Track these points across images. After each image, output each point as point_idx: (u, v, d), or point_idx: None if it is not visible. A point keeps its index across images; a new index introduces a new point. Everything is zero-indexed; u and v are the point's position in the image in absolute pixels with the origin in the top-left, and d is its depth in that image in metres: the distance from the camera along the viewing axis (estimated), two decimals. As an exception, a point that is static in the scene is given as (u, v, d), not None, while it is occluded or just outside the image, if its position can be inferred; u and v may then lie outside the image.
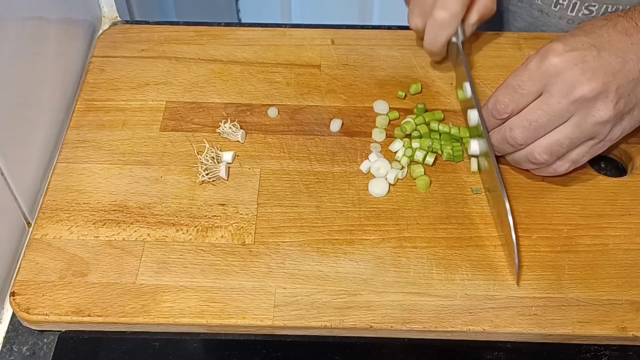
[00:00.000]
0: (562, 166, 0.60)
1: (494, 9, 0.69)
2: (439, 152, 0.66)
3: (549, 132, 0.58)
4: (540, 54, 0.57)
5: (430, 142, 0.66)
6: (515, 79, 0.58)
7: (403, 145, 0.66)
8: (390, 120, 0.69)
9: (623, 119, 0.58)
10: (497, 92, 0.60)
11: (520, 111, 0.59)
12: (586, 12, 0.79)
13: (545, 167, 0.61)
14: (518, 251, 0.57)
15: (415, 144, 0.66)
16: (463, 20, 0.68)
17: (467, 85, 0.66)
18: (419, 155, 0.65)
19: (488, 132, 0.62)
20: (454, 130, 0.67)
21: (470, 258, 0.59)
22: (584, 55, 0.56)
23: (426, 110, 0.70)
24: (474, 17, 0.68)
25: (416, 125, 0.68)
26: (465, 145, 0.66)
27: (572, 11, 0.79)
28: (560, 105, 0.56)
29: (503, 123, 0.60)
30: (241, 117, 0.70)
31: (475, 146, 0.64)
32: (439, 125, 0.68)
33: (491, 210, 0.62)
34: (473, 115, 0.64)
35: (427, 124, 0.68)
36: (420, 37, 0.69)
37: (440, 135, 0.67)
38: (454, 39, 0.68)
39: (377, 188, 0.64)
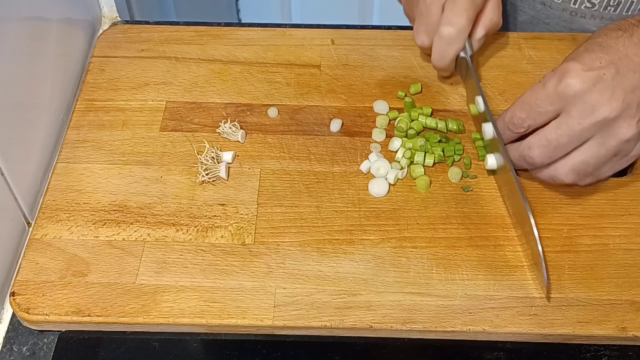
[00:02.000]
0: (584, 181, 0.59)
1: (500, 23, 0.68)
2: (429, 152, 0.66)
3: (569, 153, 0.57)
4: (558, 74, 0.56)
5: (423, 141, 0.66)
6: (532, 97, 0.57)
7: (401, 145, 0.66)
8: (390, 120, 0.69)
9: None
10: (514, 107, 0.59)
11: (537, 127, 0.58)
12: (588, 4, 0.78)
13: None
14: (546, 267, 0.56)
15: (409, 144, 0.66)
16: (470, 35, 0.67)
17: (479, 99, 0.65)
18: (418, 158, 0.65)
19: (505, 145, 0.61)
20: (440, 125, 0.67)
21: (470, 258, 0.59)
22: (603, 74, 0.55)
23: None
24: (480, 32, 0.67)
25: (410, 122, 0.68)
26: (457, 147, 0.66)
27: (574, 3, 0.79)
28: (581, 126, 0.55)
29: (519, 136, 0.60)
30: (241, 117, 0.70)
31: (492, 161, 0.63)
32: (426, 119, 0.68)
33: (512, 219, 0.62)
34: (488, 129, 0.63)
35: (413, 120, 0.68)
36: (426, 53, 0.68)
37: (429, 137, 0.67)
38: (462, 54, 0.67)
39: (377, 188, 0.64)
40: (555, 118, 0.57)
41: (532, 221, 0.56)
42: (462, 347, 0.56)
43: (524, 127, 0.58)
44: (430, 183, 0.64)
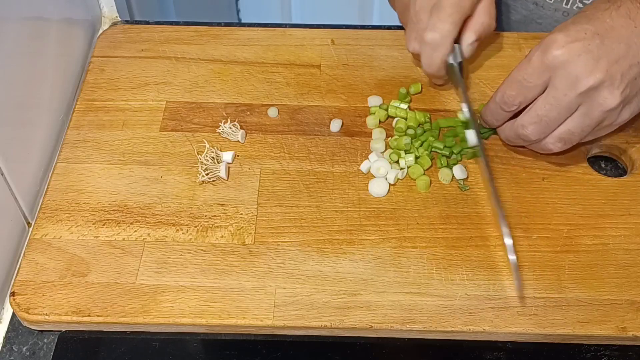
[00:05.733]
0: (570, 145, 0.61)
1: (493, 26, 0.67)
2: (416, 153, 0.66)
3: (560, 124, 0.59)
4: (542, 46, 0.57)
5: (409, 140, 0.66)
6: (519, 73, 0.58)
7: (388, 146, 0.67)
8: (388, 116, 0.69)
9: (631, 102, 0.58)
10: (504, 86, 0.60)
11: (528, 103, 0.59)
12: (581, 5, 0.79)
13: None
14: (518, 273, 0.57)
15: (394, 143, 0.66)
16: (460, 41, 0.66)
17: (464, 107, 0.66)
18: (410, 158, 0.65)
19: (486, 156, 0.63)
20: (418, 116, 0.68)
21: (470, 258, 0.59)
22: (587, 45, 0.56)
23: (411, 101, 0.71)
24: (470, 37, 0.66)
25: (392, 110, 0.68)
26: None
27: (566, 4, 0.80)
28: (567, 97, 0.56)
29: (512, 115, 0.61)
30: (241, 117, 0.70)
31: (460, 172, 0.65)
32: (400, 105, 0.69)
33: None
34: (470, 136, 0.64)
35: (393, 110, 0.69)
36: (419, 60, 0.68)
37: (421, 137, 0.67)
38: (450, 60, 0.66)
39: (377, 188, 0.64)
40: (544, 91, 0.58)
41: (506, 229, 0.57)
42: (462, 347, 0.56)
43: (516, 105, 0.60)
44: (430, 183, 0.64)
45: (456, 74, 0.67)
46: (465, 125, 0.66)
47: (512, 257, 0.56)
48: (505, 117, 0.62)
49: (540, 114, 0.58)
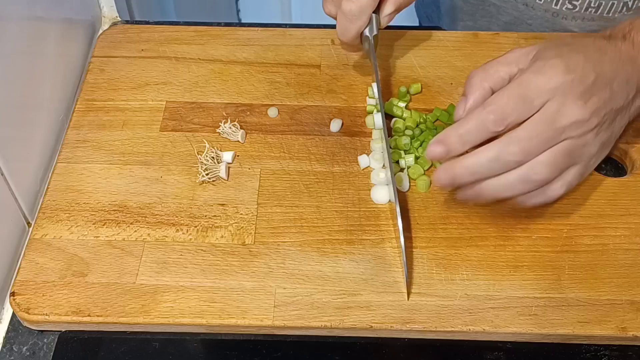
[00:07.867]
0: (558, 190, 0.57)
1: None
2: (416, 153, 0.66)
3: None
4: (557, 104, 0.53)
5: (408, 140, 0.66)
6: (532, 130, 0.53)
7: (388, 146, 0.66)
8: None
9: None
10: (500, 103, 0.53)
11: (515, 125, 0.54)
12: (570, 6, 0.79)
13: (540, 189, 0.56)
14: (407, 267, 0.57)
15: (393, 142, 0.66)
16: (378, 11, 0.65)
17: (374, 86, 0.63)
18: (410, 159, 0.65)
19: (388, 142, 0.62)
20: (414, 115, 0.68)
21: (470, 258, 0.59)
22: (583, 77, 0.53)
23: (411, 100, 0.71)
24: (389, 8, 0.65)
25: (404, 120, 0.68)
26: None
27: (556, 4, 0.80)
28: (552, 131, 0.53)
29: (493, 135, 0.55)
30: (241, 117, 0.70)
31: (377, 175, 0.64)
32: (398, 103, 0.69)
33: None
34: (377, 119, 0.62)
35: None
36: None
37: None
38: (366, 32, 0.64)
39: (380, 195, 0.63)
40: (529, 118, 0.53)
41: (399, 221, 0.57)
42: (462, 347, 0.56)
43: (506, 125, 0.53)
44: (431, 183, 0.64)
45: (370, 47, 0.65)
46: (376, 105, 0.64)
47: (403, 255, 0.56)
48: (485, 137, 0.54)
49: (530, 135, 0.53)
